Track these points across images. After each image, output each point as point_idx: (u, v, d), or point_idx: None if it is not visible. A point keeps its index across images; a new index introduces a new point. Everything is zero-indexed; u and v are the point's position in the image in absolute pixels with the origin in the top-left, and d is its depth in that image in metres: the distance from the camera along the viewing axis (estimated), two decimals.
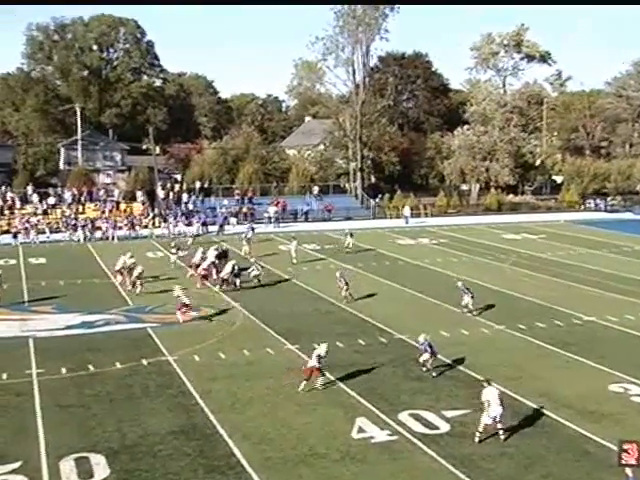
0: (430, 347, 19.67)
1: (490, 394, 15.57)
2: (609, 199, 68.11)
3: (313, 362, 18.28)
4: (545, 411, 17.10)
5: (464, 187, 75.14)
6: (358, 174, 67.43)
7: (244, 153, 70.01)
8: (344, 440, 15.49)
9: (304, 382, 18.27)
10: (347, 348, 22.17)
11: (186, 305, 25.25)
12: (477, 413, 16.49)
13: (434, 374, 19.54)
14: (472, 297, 26.22)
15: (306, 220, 56.82)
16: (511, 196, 69.61)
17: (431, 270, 35.64)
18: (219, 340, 23.01)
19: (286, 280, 32.69)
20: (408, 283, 31.82)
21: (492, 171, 70.02)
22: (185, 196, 56.97)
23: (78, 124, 67.68)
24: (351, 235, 41.09)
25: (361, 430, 15.96)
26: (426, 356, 19.72)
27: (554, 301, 28.34)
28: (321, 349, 18.46)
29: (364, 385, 18.82)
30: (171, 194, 57.17)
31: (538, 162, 76.51)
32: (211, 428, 16.06)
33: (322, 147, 79.50)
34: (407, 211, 56.99)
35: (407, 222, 55.87)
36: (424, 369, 19.71)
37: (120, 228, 48.12)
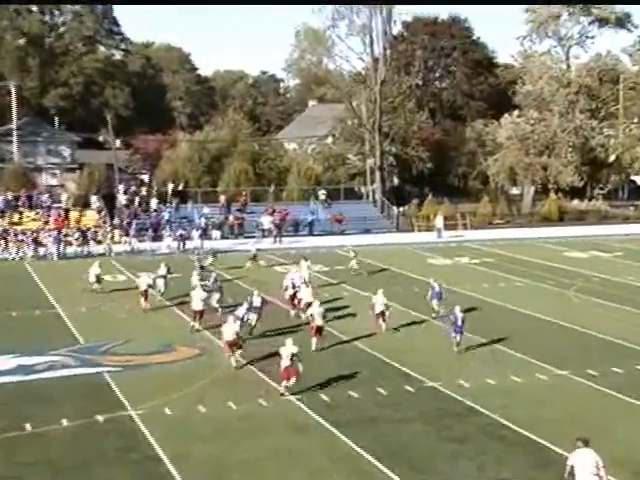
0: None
1: (582, 459, 14.85)
2: None
3: (286, 362, 21.56)
4: None
5: (514, 191, 75.38)
6: (377, 174, 67.64)
7: (230, 147, 70.44)
8: None
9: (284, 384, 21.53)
10: (364, 399, 22.12)
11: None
12: None
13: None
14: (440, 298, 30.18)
15: (310, 233, 56.96)
16: (576, 202, 69.83)
17: (472, 298, 35.56)
18: (198, 389, 22.96)
19: (285, 311, 32.75)
20: (441, 317, 31.73)
21: (551, 170, 70.23)
22: (154, 202, 57.24)
23: (13, 108, 68.15)
24: (355, 254, 41.10)
25: None
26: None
27: (635, 339, 28.25)
28: (290, 346, 21.88)
29: (387, 448, 18.74)
30: (136, 200, 57.44)
31: (612, 158, 76.67)
32: None
33: (330, 140, 79.88)
34: (440, 222, 57.17)
35: (440, 236, 56.03)
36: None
37: (69, 244, 48.33)
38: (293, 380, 21.81)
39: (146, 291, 32.86)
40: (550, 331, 29.76)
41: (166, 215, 55.55)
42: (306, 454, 18.38)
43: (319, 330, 27.00)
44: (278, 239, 53.19)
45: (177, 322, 30.88)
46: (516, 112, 72.73)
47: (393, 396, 22.49)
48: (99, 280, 36.34)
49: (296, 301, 31.46)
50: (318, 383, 23.33)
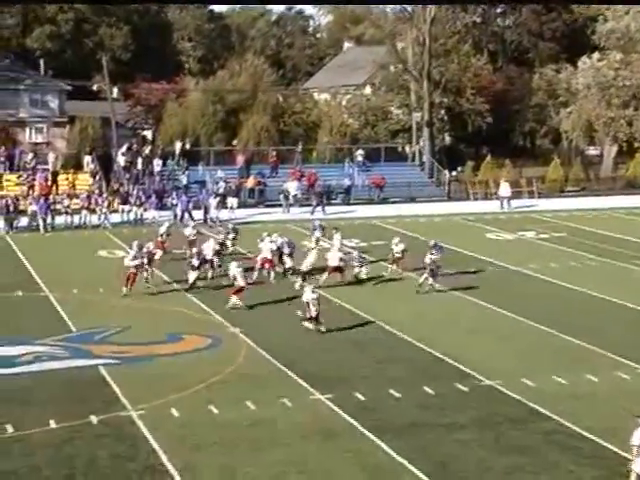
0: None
1: None
2: None
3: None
4: None
5: (592, 151, 74.70)
6: (425, 131, 67.31)
7: (249, 99, 70.39)
8: None
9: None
10: (406, 400, 22.17)
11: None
12: None
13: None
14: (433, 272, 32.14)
15: (345, 202, 56.92)
16: None
17: (538, 280, 35.59)
18: (209, 386, 23.10)
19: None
20: (504, 301, 31.73)
21: (638, 125, 69.42)
22: (158, 163, 57.41)
23: None
24: (336, 230, 38.77)
25: None
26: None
27: None
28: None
29: (433, 459, 18.77)
30: (138, 161, 57.63)
31: None
32: None
33: (369, 90, 79.55)
34: (505, 189, 56.75)
35: (505, 206, 55.72)
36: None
37: (58, 212, 48.55)
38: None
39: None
40: (636, 322, 29.60)
41: (184, 179, 55.70)
42: (338, 466, 18.39)
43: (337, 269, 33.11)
44: (321, 208, 53.12)
45: (185, 307, 31.02)
46: (596, 55, 71.93)
47: (442, 397, 22.49)
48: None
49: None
50: (353, 380, 23.45)
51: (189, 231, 38.61)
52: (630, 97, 70.12)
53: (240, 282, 30.26)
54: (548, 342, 27.40)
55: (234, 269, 30.45)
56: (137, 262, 32.27)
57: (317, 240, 39.65)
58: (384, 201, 57.35)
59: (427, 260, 32.79)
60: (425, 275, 32.65)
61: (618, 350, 26.09)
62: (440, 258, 33.10)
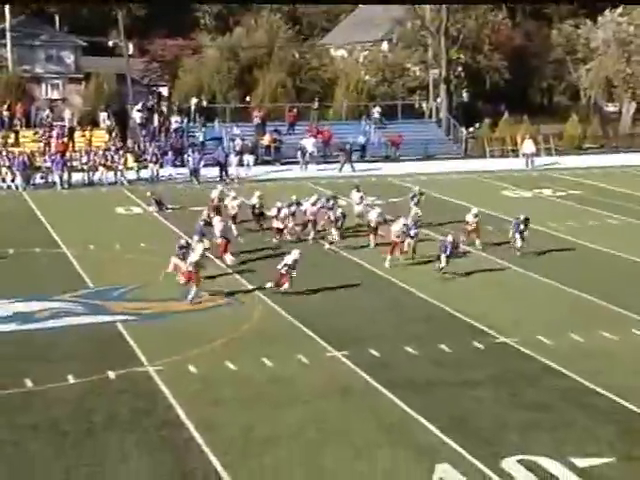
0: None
1: None
2: None
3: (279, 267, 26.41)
4: None
5: (611, 108, 74.20)
6: (442, 88, 66.93)
7: (265, 55, 70.07)
8: None
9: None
10: (422, 357, 22.27)
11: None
12: (627, 463, 16.47)
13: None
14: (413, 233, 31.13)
15: (362, 158, 56.80)
16: None
17: (556, 239, 35.54)
18: (226, 342, 23.23)
19: (334, 252, 33.01)
20: (520, 259, 31.78)
21: None
22: (175, 120, 57.31)
23: (5, 5, 68.08)
24: (357, 189, 38.37)
25: None
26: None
27: None
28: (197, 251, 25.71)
29: (449, 415, 18.85)
30: (154, 117, 57.55)
31: None
32: None
33: (386, 46, 79.07)
34: (530, 146, 56.42)
35: (530, 164, 55.46)
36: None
37: (71, 169, 48.48)
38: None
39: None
40: None
41: (200, 136, 55.62)
42: (354, 423, 18.49)
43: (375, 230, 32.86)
44: (351, 165, 53.15)
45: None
46: (617, 10, 71.20)
47: (458, 354, 22.59)
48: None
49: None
50: (369, 337, 23.53)
51: (215, 194, 37.30)
52: None
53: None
54: (565, 300, 27.43)
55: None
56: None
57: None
58: (400, 159, 57.12)
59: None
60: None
61: (635, 308, 26.09)
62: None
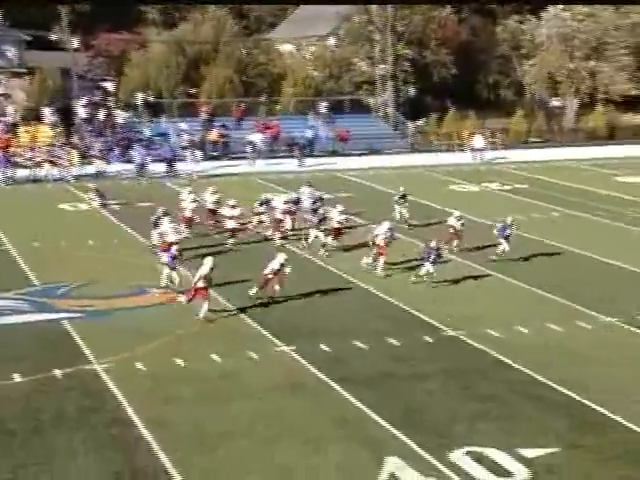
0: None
1: None
2: None
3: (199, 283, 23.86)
4: None
5: (555, 102, 74.81)
6: (389, 83, 67.15)
7: (212, 51, 69.76)
8: None
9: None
10: (373, 351, 22.33)
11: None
12: (573, 452, 16.67)
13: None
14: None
15: (310, 154, 56.75)
16: (630, 116, 69.43)
17: None
18: (176, 339, 23.11)
19: (282, 246, 32.89)
20: (467, 252, 31.93)
21: (601, 77, 69.71)
22: (122, 115, 56.80)
23: None
24: (309, 184, 37.96)
25: (393, 477, 16.14)
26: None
27: None
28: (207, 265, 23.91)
29: (400, 409, 18.94)
30: (100, 113, 57.03)
31: None
32: (164, 478, 16.12)
33: (333, 41, 79.07)
34: (479, 141, 56.78)
35: (479, 159, 55.77)
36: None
37: (15, 165, 47.84)
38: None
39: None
40: (598, 272, 29.96)
41: (147, 132, 55.21)
42: (305, 418, 18.53)
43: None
44: (299, 160, 53.06)
45: (151, 260, 30.85)
46: (560, 6, 71.81)
47: (407, 348, 22.66)
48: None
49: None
50: (318, 332, 23.54)
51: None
52: (592, 49, 70.21)
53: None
54: (512, 293, 27.64)
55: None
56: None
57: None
58: (348, 153, 57.15)
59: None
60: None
61: (581, 301, 26.39)
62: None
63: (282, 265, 25.42)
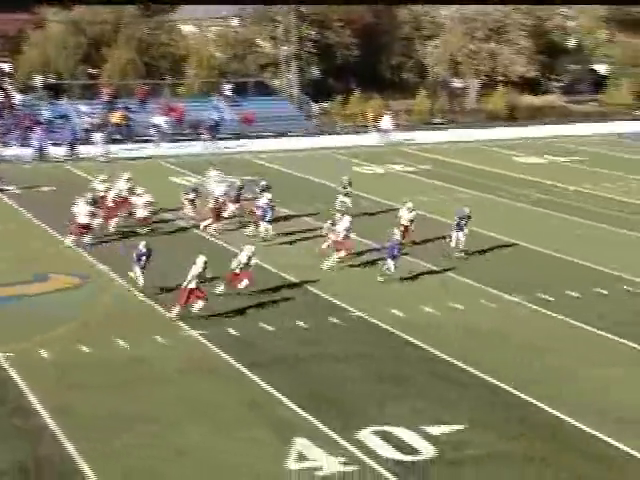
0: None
1: None
2: None
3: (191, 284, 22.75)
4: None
5: (457, 84, 75.54)
6: (293, 64, 67.06)
7: (113, 32, 68.63)
8: (276, 475, 15.67)
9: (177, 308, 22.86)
10: (281, 334, 22.38)
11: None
12: (478, 430, 16.97)
13: None
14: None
15: (213, 137, 56.31)
16: (529, 97, 70.47)
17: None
18: (78, 326, 22.77)
19: (185, 229, 32.76)
20: (372, 234, 31.65)
21: (501, 58, 70.58)
22: (18, 97, 55.64)
23: None
24: (214, 167, 37.49)
25: (302, 458, 16.20)
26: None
27: (597, 259, 29.09)
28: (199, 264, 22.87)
29: (309, 391, 19.05)
30: None
31: (572, 43, 77.35)
32: (70, 466, 15.97)
33: (236, 21, 78.55)
34: (387, 122, 56.70)
35: (386, 139, 55.83)
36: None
37: None
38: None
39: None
40: (500, 252, 30.45)
41: (45, 113, 54.05)
42: (215, 401, 18.52)
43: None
44: (210, 142, 52.45)
45: (52, 245, 30.39)
46: None
47: (315, 330, 22.79)
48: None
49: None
50: (224, 315, 23.51)
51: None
52: (492, 31, 71.01)
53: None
54: (413, 272, 27.69)
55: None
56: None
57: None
58: (254, 136, 56.88)
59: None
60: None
61: (484, 280, 26.82)
62: None
63: (249, 258, 24.68)
